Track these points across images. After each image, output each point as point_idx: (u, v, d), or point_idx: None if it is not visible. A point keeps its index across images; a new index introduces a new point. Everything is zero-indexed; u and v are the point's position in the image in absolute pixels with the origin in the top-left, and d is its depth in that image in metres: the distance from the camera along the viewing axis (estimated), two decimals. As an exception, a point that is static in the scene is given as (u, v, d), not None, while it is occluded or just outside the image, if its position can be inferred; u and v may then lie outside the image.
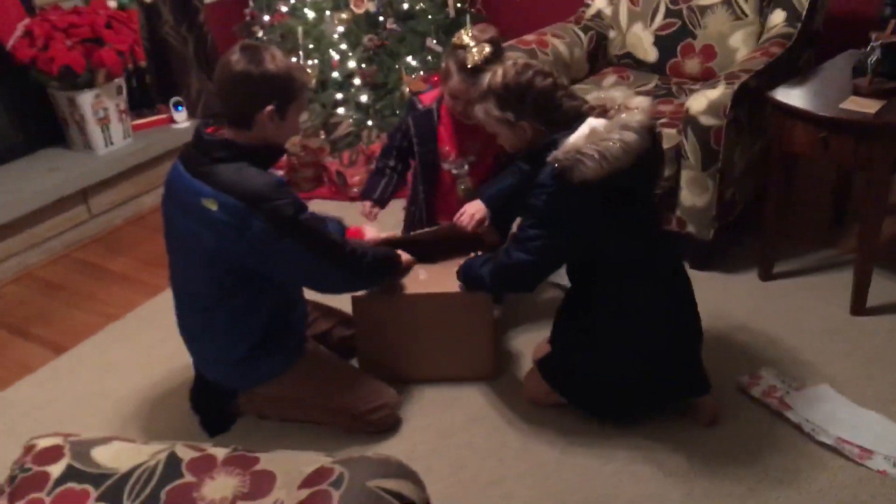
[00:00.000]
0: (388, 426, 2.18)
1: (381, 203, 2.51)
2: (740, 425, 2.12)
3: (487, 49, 2.25)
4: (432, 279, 2.29)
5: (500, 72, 1.95)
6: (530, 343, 2.45)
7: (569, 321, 2.16)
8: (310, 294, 2.25)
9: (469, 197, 2.40)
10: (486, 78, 1.97)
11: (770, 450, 2.04)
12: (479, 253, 2.25)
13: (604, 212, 1.90)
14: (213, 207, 1.86)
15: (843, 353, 2.37)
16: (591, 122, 1.89)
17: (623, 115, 1.86)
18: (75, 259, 3.22)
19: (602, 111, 1.95)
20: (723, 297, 2.62)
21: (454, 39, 2.32)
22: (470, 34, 2.29)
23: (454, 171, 2.52)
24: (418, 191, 2.56)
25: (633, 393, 2.09)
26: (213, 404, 2.21)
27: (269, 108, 1.89)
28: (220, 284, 1.99)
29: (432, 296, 2.24)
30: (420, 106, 2.49)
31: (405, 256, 2.27)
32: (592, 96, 2.03)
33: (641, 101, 1.93)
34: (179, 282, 2.11)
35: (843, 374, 2.28)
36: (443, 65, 2.41)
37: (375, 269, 2.13)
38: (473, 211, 2.32)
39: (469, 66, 2.24)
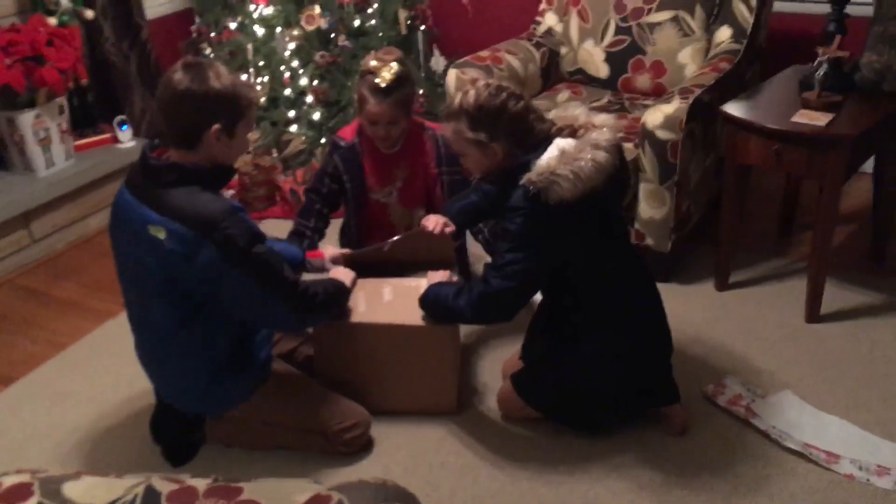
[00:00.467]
0: (361, 446, 2.13)
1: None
2: (709, 434, 2.15)
3: (396, 67, 2.28)
4: (398, 303, 2.19)
5: (472, 92, 1.93)
6: (498, 361, 2.43)
7: (548, 334, 2.15)
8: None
9: (404, 221, 2.39)
10: (457, 98, 1.96)
11: (740, 458, 2.07)
12: (449, 274, 2.22)
13: (578, 229, 1.90)
14: (161, 235, 1.79)
15: (801, 360, 2.42)
16: (560, 143, 1.89)
17: (593, 135, 1.86)
18: (18, 286, 3.08)
19: (571, 131, 1.95)
20: (682, 308, 2.64)
21: (361, 67, 2.35)
22: (375, 58, 2.31)
23: (382, 200, 2.53)
24: (350, 224, 2.57)
25: (616, 402, 2.10)
26: (177, 433, 2.13)
27: (216, 127, 1.83)
28: (176, 312, 1.92)
29: (395, 327, 2.13)
30: (343, 143, 2.49)
31: (349, 276, 2.21)
32: (553, 114, 2.03)
33: (606, 119, 1.95)
34: (136, 310, 2.03)
35: (803, 381, 2.33)
36: (355, 95, 2.40)
37: (327, 307, 2.06)
38: (436, 217, 2.31)
39: (383, 87, 2.26)
